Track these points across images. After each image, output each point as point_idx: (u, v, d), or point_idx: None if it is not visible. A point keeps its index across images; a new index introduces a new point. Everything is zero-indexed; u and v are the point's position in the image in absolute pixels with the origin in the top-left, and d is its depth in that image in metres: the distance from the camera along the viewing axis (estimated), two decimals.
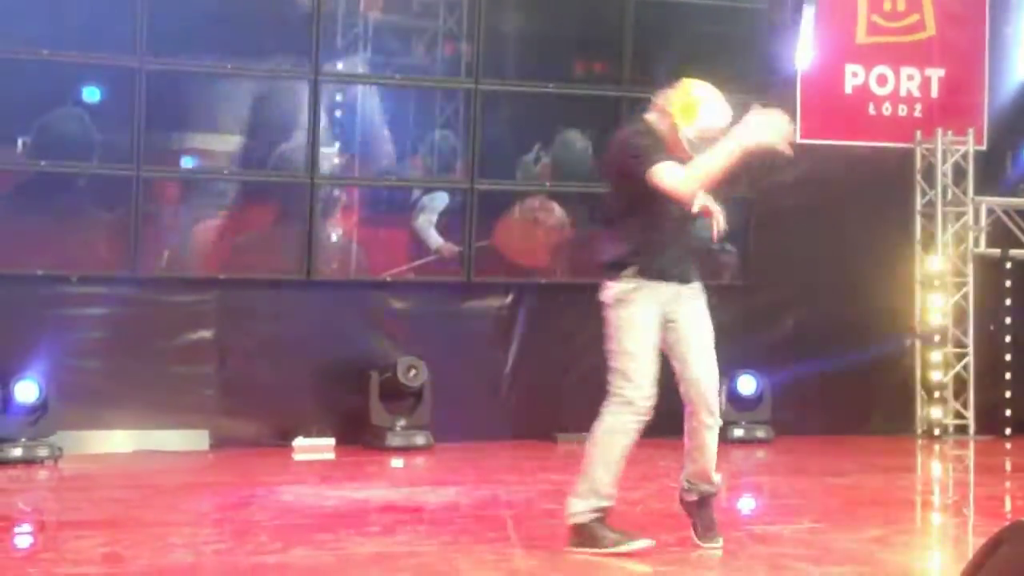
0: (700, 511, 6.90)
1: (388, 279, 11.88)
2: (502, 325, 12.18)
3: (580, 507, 6.73)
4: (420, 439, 11.32)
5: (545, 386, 12.09)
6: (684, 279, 6.74)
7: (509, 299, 12.20)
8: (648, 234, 6.62)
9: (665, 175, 6.42)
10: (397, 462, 10.86)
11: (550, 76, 11.98)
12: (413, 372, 11.30)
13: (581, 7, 12.14)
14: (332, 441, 11.45)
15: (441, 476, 10.22)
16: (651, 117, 6.73)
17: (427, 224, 11.87)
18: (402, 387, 11.28)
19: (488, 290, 12.16)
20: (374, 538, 7.34)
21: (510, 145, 12.13)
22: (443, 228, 11.90)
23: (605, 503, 6.72)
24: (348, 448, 11.30)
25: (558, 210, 12.09)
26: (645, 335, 6.62)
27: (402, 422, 11.35)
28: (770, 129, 6.35)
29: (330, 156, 11.71)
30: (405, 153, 11.97)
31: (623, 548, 6.65)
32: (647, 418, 6.68)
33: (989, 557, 4.71)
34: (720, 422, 6.83)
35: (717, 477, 6.92)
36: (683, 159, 6.49)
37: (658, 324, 6.66)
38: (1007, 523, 4.69)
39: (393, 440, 11.24)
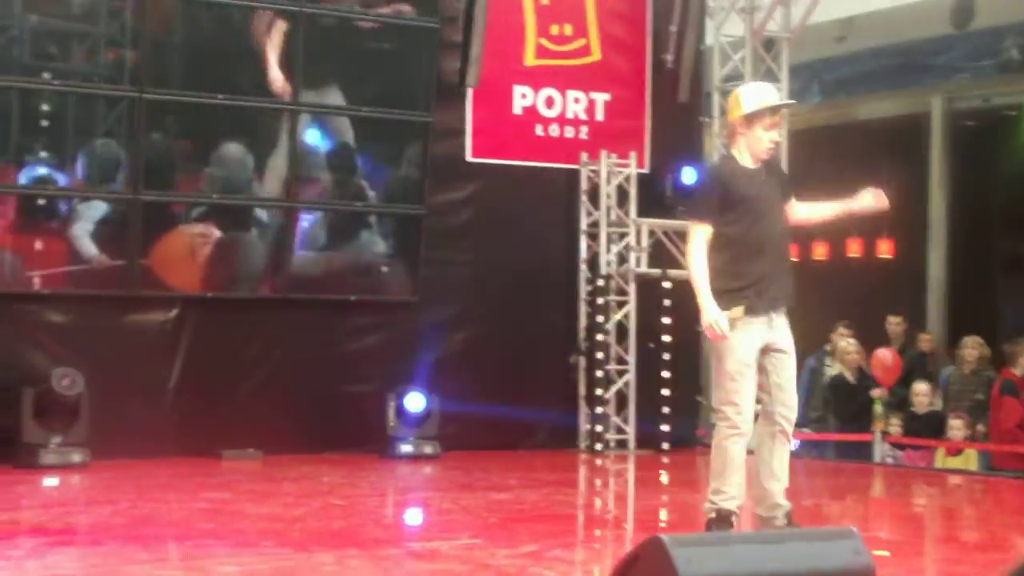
0: None
1: (45, 291, 11.43)
2: (166, 339, 11.87)
3: None
4: (76, 456, 10.92)
5: (210, 402, 11.85)
6: None
7: (173, 313, 11.90)
8: None
9: (691, 236, 7.32)
10: (51, 481, 10.46)
11: (217, 87, 11.74)
12: (68, 381, 10.91)
13: (249, 19, 11.98)
14: None
15: (97, 495, 9.90)
16: (726, 144, 7.58)
17: (82, 233, 11.45)
18: (57, 398, 10.87)
19: (151, 303, 11.84)
20: (18, 562, 7.02)
21: (175, 155, 11.86)
22: (101, 238, 11.49)
23: None
24: None
25: (216, 235, 11.89)
26: None
27: (57, 439, 10.93)
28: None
29: None
30: (66, 160, 11.52)
31: None
32: None
33: (626, 571, 4.85)
34: None
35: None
36: (766, 149, 7.27)
37: None
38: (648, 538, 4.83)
39: (47, 458, 10.80)
